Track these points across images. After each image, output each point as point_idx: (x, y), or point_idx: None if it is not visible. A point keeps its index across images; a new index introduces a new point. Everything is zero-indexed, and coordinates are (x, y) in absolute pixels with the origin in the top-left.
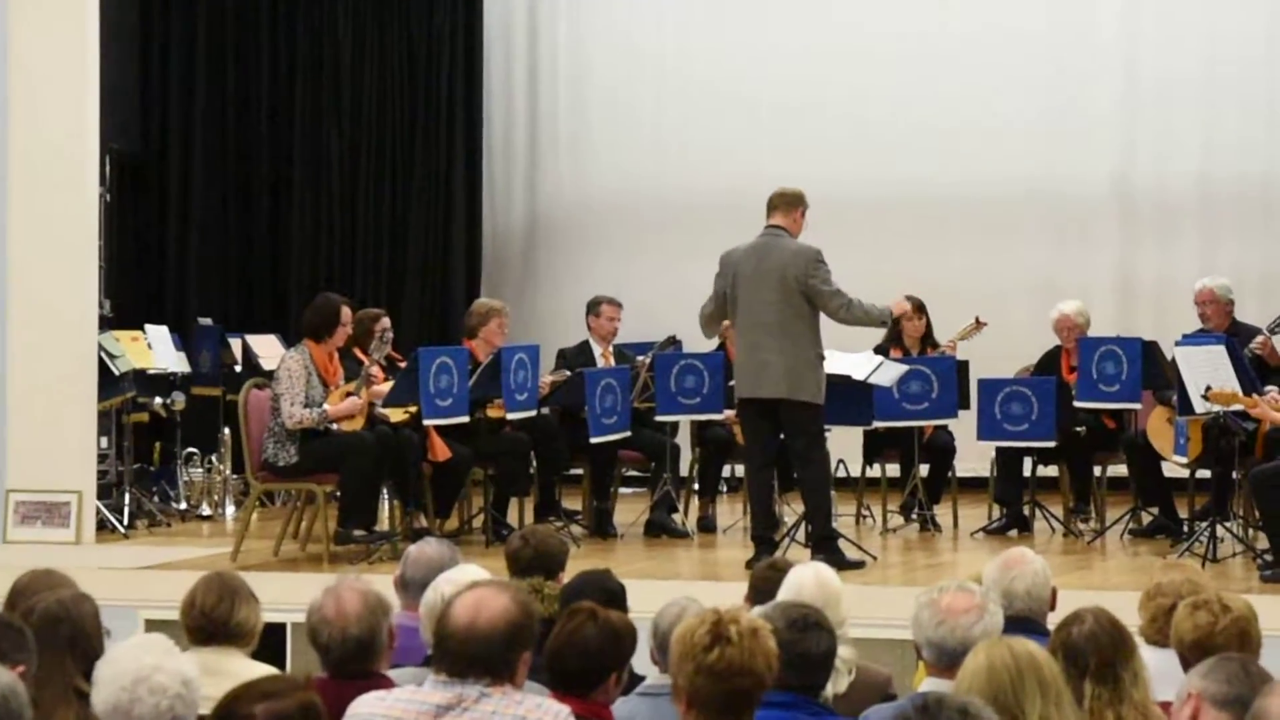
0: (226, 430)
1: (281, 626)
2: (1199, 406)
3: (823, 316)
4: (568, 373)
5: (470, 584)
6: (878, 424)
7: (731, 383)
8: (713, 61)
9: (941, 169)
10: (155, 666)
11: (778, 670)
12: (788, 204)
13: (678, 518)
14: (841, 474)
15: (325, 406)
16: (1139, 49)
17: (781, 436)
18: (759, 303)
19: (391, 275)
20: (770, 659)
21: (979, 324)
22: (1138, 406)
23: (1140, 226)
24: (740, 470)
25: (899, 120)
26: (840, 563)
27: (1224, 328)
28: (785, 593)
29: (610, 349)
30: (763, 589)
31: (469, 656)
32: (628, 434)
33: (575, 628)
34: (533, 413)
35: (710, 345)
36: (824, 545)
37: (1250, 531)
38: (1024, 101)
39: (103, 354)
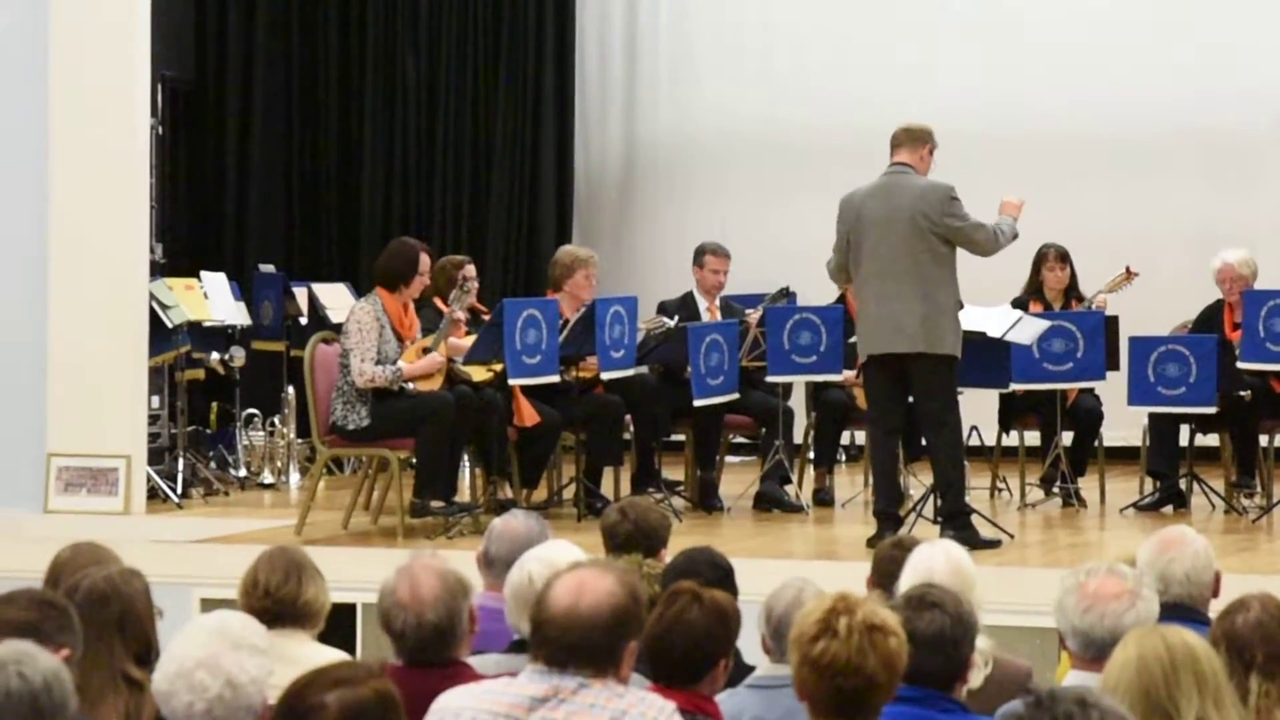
0: (290, 389)
1: (351, 607)
2: None
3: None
4: (667, 320)
5: (572, 564)
6: (1015, 386)
7: (852, 339)
8: None
9: (1085, 97)
10: (201, 661)
11: (902, 673)
12: (914, 140)
13: (791, 490)
14: (975, 442)
15: (400, 364)
16: None
17: (910, 399)
18: (887, 248)
19: (473, 218)
20: (891, 659)
21: (1130, 274)
22: None
23: None
24: (861, 437)
25: (1034, 42)
26: (973, 541)
27: None
28: (911, 574)
29: (716, 302)
30: (887, 570)
31: (569, 645)
32: (735, 396)
33: (679, 611)
34: (630, 372)
35: (831, 296)
36: (955, 521)
37: None
38: (1175, 17)
39: (154, 304)
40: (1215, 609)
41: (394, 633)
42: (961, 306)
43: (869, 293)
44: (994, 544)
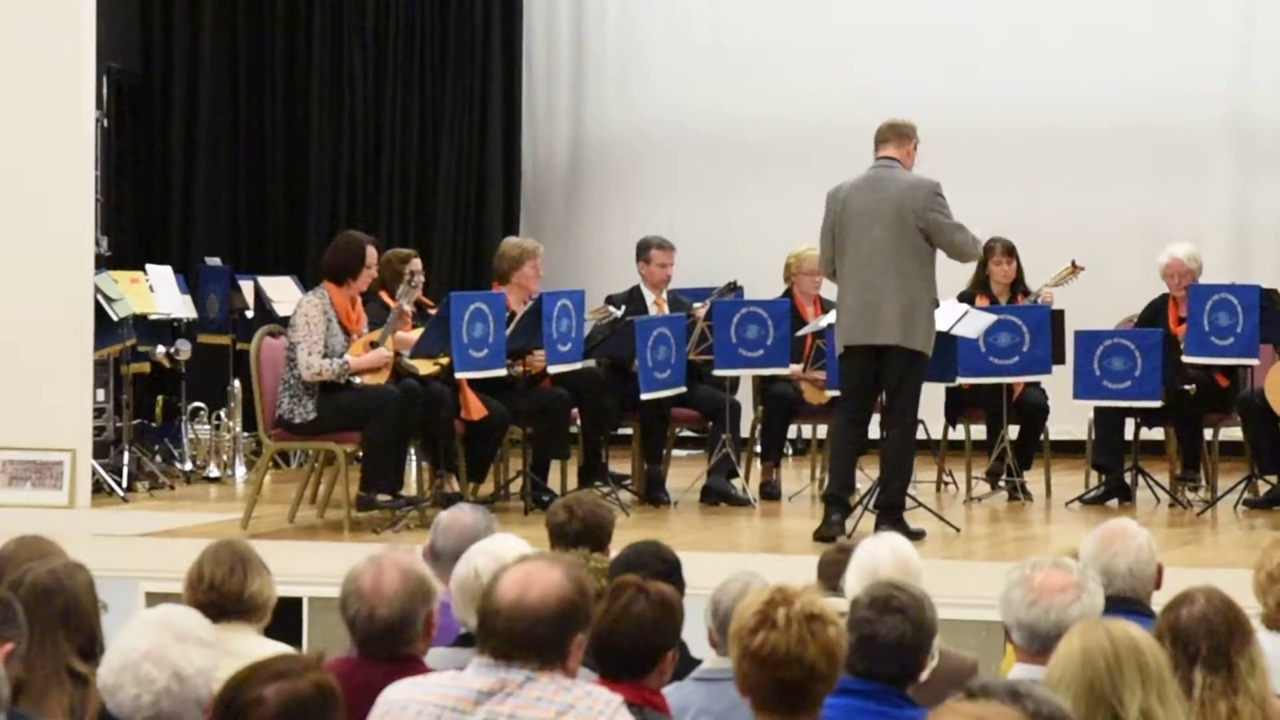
0: (237, 383)
1: (297, 601)
2: None
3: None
4: (613, 309)
5: (519, 557)
6: (962, 380)
7: (799, 333)
8: None
9: (1033, 93)
10: (147, 654)
11: (842, 662)
12: (900, 136)
13: (738, 483)
14: (921, 436)
15: (347, 357)
16: None
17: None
18: (869, 240)
19: (420, 211)
20: (831, 649)
21: (1076, 268)
22: (1255, 362)
23: (1258, 158)
24: (807, 431)
25: (984, 41)
26: (904, 534)
27: None
28: (857, 569)
29: (664, 295)
30: (830, 573)
31: (516, 637)
32: (682, 390)
33: (625, 604)
34: (577, 366)
35: (778, 290)
36: (890, 515)
37: None
38: (1125, 16)
39: (99, 297)
40: (1157, 601)
41: (346, 619)
42: (938, 305)
43: (850, 284)
44: (919, 535)
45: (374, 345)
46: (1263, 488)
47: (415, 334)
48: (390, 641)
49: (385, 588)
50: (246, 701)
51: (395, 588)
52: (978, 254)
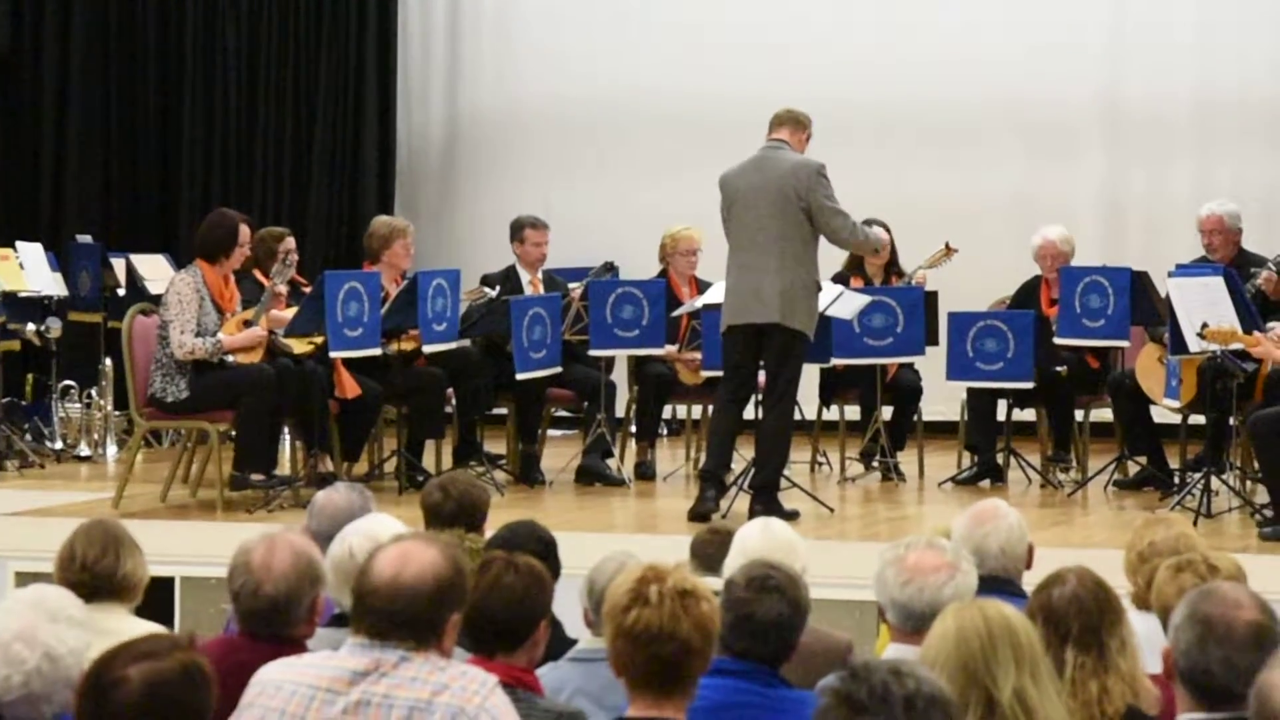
0: (108, 361)
1: (169, 581)
2: (1193, 345)
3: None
4: (488, 290)
5: (394, 536)
6: (836, 361)
7: (674, 313)
8: None
9: (907, 77)
10: (18, 634)
11: (717, 637)
12: (796, 123)
13: (613, 463)
14: (795, 416)
15: (220, 336)
16: None
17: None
18: (753, 219)
19: (294, 190)
20: (704, 624)
21: (949, 250)
22: (1125, 344)
23: (1130, 143)
24: (682, 411)
25: (859, 25)
26: (778, 514)
27: (1230, 259)
28: (739, 551)
29: (539, 275)
30: (704, 553)
31: (391, 616)
32: (558, 370)
33: (495, 576)
34: (452, 345)
35: (654, 271)
36: (763, 494)
37: (1248, 484)
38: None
39: None
40: (1028, 581)
41: (231, 591)
42: (820, 288)
43: (733, 263)
44: (793, 515)
45: (248, 324)
46: (1132, 468)
47: (289, 313)
48: (273, 621)
49: (275, 566)
50: (110, 681)
51: (285, 567)
52: (859, 241)
